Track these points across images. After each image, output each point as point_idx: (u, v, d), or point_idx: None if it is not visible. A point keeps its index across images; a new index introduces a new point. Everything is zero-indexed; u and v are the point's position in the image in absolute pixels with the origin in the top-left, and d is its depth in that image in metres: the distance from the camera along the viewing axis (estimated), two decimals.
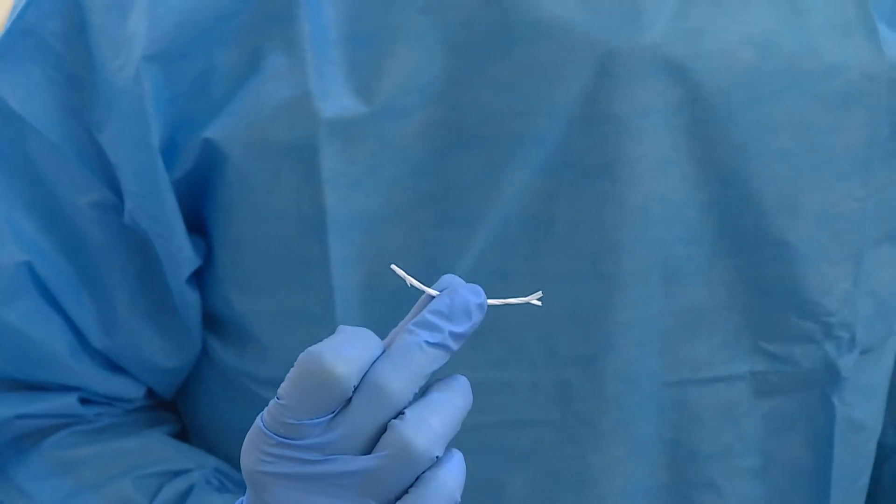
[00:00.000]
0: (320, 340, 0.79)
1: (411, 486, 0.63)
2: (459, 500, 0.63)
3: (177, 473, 0.86)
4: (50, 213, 0.82)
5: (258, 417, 0.64)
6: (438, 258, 0.79)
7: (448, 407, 0.64)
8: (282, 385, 0.63)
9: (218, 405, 0.89)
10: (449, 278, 0.66)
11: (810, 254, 0.82)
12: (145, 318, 0.85)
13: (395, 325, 0.78)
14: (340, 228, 0.79)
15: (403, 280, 0.75)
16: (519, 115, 0.77)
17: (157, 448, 0.87)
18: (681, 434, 0.85)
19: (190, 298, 0.84)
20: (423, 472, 0.63)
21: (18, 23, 0.80)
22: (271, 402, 0.63)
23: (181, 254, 0.82)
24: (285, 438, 0.62)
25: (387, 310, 0.80)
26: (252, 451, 0.63)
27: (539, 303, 0.68)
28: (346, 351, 0.63)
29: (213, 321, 0.86)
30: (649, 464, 0.85)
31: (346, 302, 0.80)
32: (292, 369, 0.63)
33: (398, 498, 0.63)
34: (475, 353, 0.81)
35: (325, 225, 0.79)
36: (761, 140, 0.80)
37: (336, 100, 0.77)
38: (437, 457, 0.63)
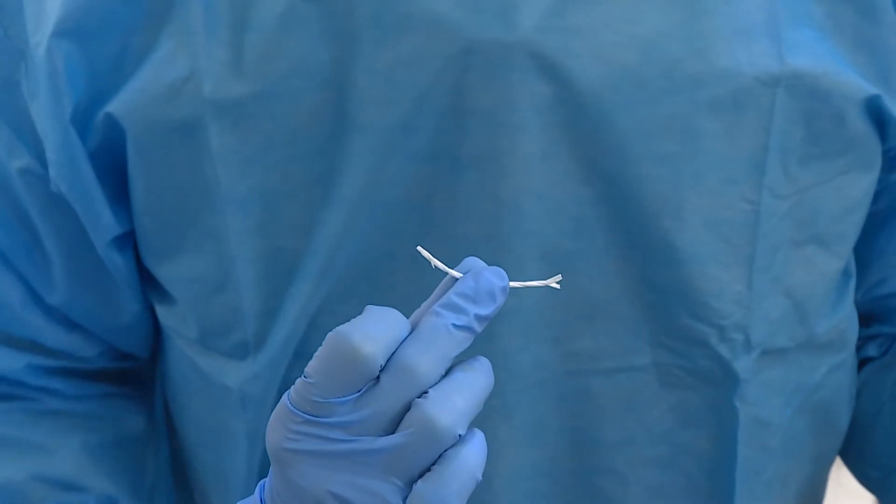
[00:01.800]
0: (227, 306, 0.83)
1: (434, 463, 0.64)
2: (480, 478, 0.65)
3: (69, 488, 0.89)
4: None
5: (285, 395, 0.65)
6: (327, 236, 0.80)
7: (471, 386, 0.65)
8: (309, 363, 0.64)
9: (170, 363, 0.92)
10: (471, 261, 0.67)
11: (698, 256, 0.82)
12: (83, 280, 0.88)
13: (290, 297, 0.82)
14: (238, 202, 0.81)
15: (301, 254, 0.78)
16: (394, 104, 0.78)
17: (67, 456, 0.90)
18: (582, 422, 0.85)
19: (117, 261, 0.86)
20: (446, 451, 0.64)
21: None
22: (298, 381, 0.64)
23: (100, 220, 0.85)
24: (312, 416, 0.63)
25: (284, 282, 0.82)
26: (278, 429, 0.64)
27: (558, 286, 0.70)
28: (373, 331, 0.64)
29: (149, 281, 0.89)
30: (548, 449, 0.85)
31: (247, 273, 0.82)
32: (320, 348, 0.64)
33: (421, 475, 0.64)
34: None
35: (220, 199, 0.81)
36: (640, 142, 0.79)
37: (223, 81, 0.79)
38: (459, 435, 0.64)
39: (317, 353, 0.64)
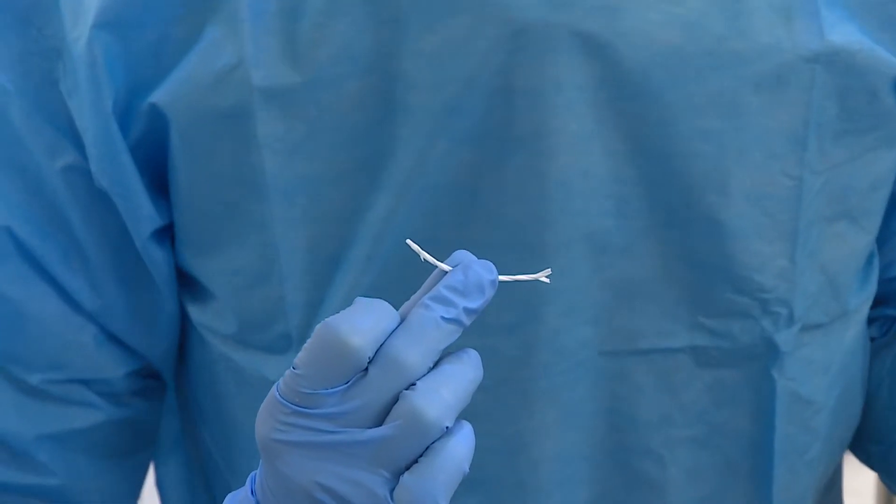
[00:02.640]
0: (270, 298, 0.83)
1: (421, 455, 0.64)
2: (468, 470, 0.65)
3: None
4: (32, 178, 0.84)
5: (274, 386, 0.65)
6: (373, 223, 0.81)
7: (459, 379, 0.65)
8: (298, 355, 0.64)
9: (197, 368, 0.91)
10: (461, 254, 0.68)
11: (742, 231, 0.83)
12: (123, 279, 0.87)
13: (335, 286, 0.81)
14: (283, 191, 0.81)
15: (347, 242, 0.77)
16: (442, 87, 0.78)
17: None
18: (619, 403, 0.86)
19: (157, 256, 0.86)
20: (434, 443, 0.64)
21: None
22: (287, 372, 0.64)
23: (140, 212, 0.84)
24: (300, 407, 0.64)
25: (329, 270, 0.82)
26: (267, 420, 0.65)
27: (547, 280, 0.70)
28: (362, 322, 0.64)
29: (181, 280, 0.88)
30: (586, 431, 0.86)
31: (291, 262, 0.82)
32: (309, 339, 0.64)
33: (408, 467, 0.64)
34: None
35: (266, 187, 0.81)
36: (686, 119, 0.80)
37: (270, 68, 0.79)
38: (447, 427, 0.64)
39: (305, 345, 0.64)
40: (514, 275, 0.70)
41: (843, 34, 0.82)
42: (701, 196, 0.82)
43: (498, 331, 0.83)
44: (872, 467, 0.99)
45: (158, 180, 0.85)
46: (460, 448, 0.65)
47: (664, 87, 0.79)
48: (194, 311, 0.88)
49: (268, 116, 0.80)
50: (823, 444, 0.91)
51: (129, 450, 0.92)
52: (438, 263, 0.67)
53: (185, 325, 0.91)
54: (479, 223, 0.81)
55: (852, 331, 0.91)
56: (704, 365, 0.86)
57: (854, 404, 0.94)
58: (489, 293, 0.67)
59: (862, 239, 0.88)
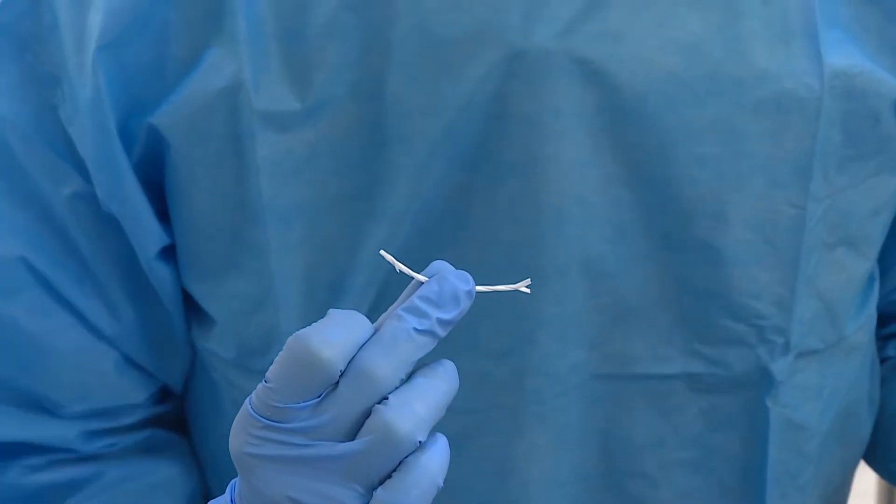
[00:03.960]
0: (265, 325, 0.82)
1: (395, 470, 0.63)
2: (442, 484, 0.64)
3: None
4: (41, 207, 0.84)
5: (247, 400, 0.64)
6: (368, 250, 0.80)
7: (432, 392, 0.64)
8: (270, 368, 0.64)
9: (200, 391, 0.90)
10: (438, 265, 0.67)
11: (740, 258, 0.82)
12: (135, 302, 0.86)
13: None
14: (280, 216, 0.80)
15: (345, 269, 0.76)
16: (437, 113, 0.78)
17: None
18: (612, 426, 0.85)
19: (163, 276, 0.85)
20: (407, 457, 0.63)
21: None
22: (259, 385, 0.64)
23: (147, 233, 0.83)
24: (272, 421, 0.63)
25: (327, 298, 0.81)
26: (240, 434, 0.64)
27: (528, 290, 0.69)
28: (333, 335, 0.63)
29: (186, 304, 0.87)
30: (579, 453, 0.85)
31: (287, 289, 0.81)
32: (280, 353, 0.64)
33: (382, 482, 0.63)
34: None
35: (263, 212, 0.80)
36: (684, 145, 0.79)
37: (270, 91, 0.79)
38: (420, 441, 0.63)
39: (277, 358, 0.64)
40: (494, 285, 0.69)
41: (843, 56, 0.81)
42: (698, 222, 0.81)
43: (489, 354, 0.82)
44: (869, 464, 0.98)
45: (160, 200, 0.84)
46: (434, 462, 0.64)
47: (661, 112, 0.78)
48: (197, 335, 0.87)
49: (265, 140, 0.79)
50: (816, 468, 0.90)
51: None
52: (414, 274, 0.66)
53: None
54: (474, 246, 0.80)
55: (854, 355, 0.90)
56: (699, 391, 0.85)
57: (856, 427, 0.93)
58: (465, 304, 0.66)
59: (861, 265, 0.87)
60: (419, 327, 0.64)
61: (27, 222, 0.84)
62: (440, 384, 0.65)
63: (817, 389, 0.88)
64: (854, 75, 0.81)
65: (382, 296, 0.81)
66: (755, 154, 0.80)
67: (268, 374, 0.64)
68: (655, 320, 0.83)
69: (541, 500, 0.85)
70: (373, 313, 0.80)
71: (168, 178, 0.83)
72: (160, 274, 0.84)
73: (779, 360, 0.85)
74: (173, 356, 0.88)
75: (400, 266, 0.67)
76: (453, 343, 0.80)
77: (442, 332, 0.65)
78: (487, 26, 0.77)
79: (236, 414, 0.84)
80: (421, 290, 0.65)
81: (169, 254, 0.85)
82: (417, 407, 0.63)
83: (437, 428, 0.82)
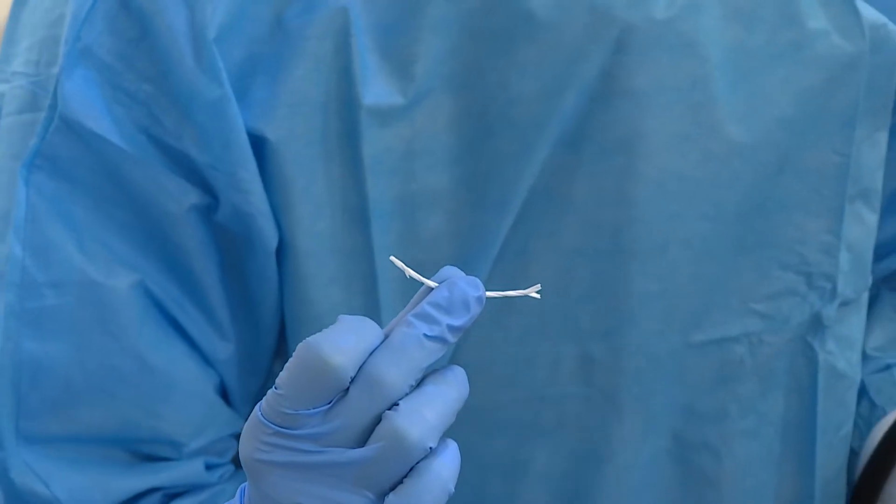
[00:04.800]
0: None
1: (406, 476, 0.63)
2: (453, 490, 0.64)
3: None
4: (146, 230, 0.80)
5: (256, 406, 0.64)
6: (474, 243, 0.80)
7: (442, 398, 0.64)
8: (280, 375, 0.64)
9: None
10: (448, 270, 0.67)
11: (787, 205, 0.84)
12: (235, 323, 0.83)
13: None
14: (380, 216, 0.80)
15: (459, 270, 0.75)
16: (544, 96, 0.78)
17: None
18: (679, 399, 0.86)
19: (271, 286, 0.82)
20: (418, 463, 0.63)
21: (76, 44, 0.79)
22: (269, 392, 0.64)
23: (273, 229, 0.80)
24: (282, 428, 0.63)
25: None
26: (250, 440, 0.64)
27: (538, 296, 0.69)
28: (343, 341, 0.63)
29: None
30: (657, 433, 0.86)
31: (389, 291, 0.81)
32: (291, 359, 0.63)
33: (393, 488, 0.63)
34: (497, 331, 0.82)
35: (367, 213, 0.80)
36: (766, 109, 0.82)
37: (374, 87, 0.78)
38: (430, 448, 0.63)
39: (287, 364, 0.64)
40: (504, 291, 0.69)
41: (871, 11, 0.85)
42: (757, 176, 0.83)
43: (591, 337, 0.83)
44: None
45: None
46: (445, 468, 0.64)
47: (739, 80, 0.81)
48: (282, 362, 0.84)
49: (371, 137, 0.78)
50: (852, 420, 0.92)
51: None
52: (424, 280, 0.66)
53: None
54: (572, 229, 0.81)
55: (864, 307, 0.92)
56: (756, 355, 0.86)
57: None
58: (475, 310, 0.65)
59: (873, 218, 0.89)
60: (429, 333, 0.64)
61: (133, 249, 0.80)
62: (450, 390, 0.64)
63: (853, 339, 0.90)
64: (881, 25, 0.85)
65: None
66: (815, 105, 0.84)
67: (278, 380, 0.63)
68: (722, 287, 0.84)
69: (629, 485, 0.86)
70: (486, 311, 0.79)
71: (267, 187, 0.80)
72: (271, 279, 0.81)
73: (828, 305, 0.87)
74: (254, 383, 0.86)
75: (409, 272, 0.67)
76: (552, 328, 0.82)
77: (452, 339, 0.65)
78: (593, 4, 0.78)
79: None
80: (431, 297, 0.65)
81: (277, 256, 0.82)
82: (427, 413, 0.63)
83: (536, 415, 0.83)
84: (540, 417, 0.85)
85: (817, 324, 0.87)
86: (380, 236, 0.80)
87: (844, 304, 0.89)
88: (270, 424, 0.63)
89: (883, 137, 0.88)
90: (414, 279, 0.66)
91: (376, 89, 0.78)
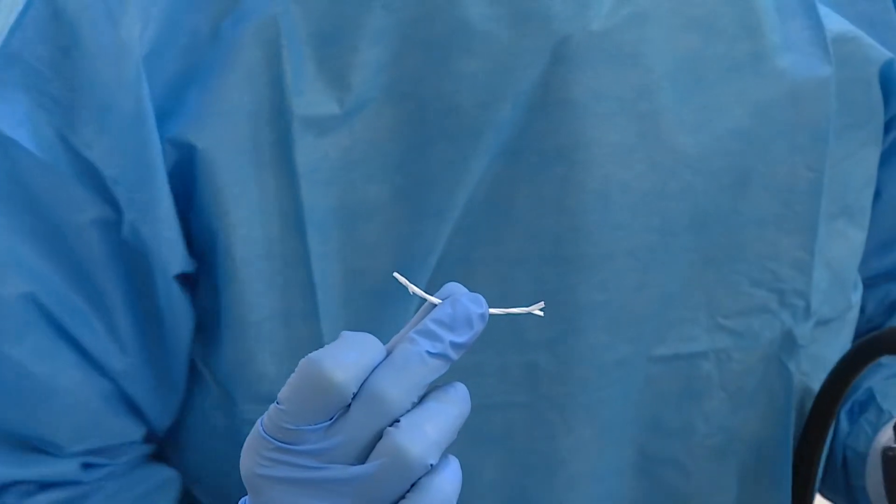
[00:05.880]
0: (310, 337, 0.81)
1: (407, 493, 0.63)
2: None
3: None
4: (51, 238, 0.80)
5: (258, 421, 0.64)
6: (413, 252, 0.80)
7: (444, 415, 0.64)
8: (282, 390, 0.64)
9: (196, 426, 0.88)
10: (451, 287, 0.67)
11: (760, 221, 0.84)
12: (142, 338, 0.83)
13: (377, 320, 0.80)
14: (317, 224, 0.80)
15: (389, 275, 0.75)
16: (481, 106, 0.78)
17: None
18: (644, 412, 0.86)
19: (179, 303, 0.82)
20: (419, 480, 0.63)
21: (4, 49, 0.79)
22: (271, 407, 0.64)
23: (174, 256, 0.80)
24: (283, 443, 0.63)
25: (368, 304, 0.81)
26: (251, 455, 0.64)
27: (541, 313, 0.69)
28: (346, 358, 0.63)
29: (210, 335, 0.85)
30: (617, 443, 0.86)
31: (328, 299, 0.81)
32: (293, 375, 0.63)
33: None
34: None
35: (303, 221, 0.80)
36: (717, 121, 0.81)
37: (309, 96, 0.78)
38: (431, 464, 0.63)
39: (289, 380, 0.64)
40: (508, 308, 0.69)
41: (838, 23, 0.84)
42: (724, 191, 0.83)
43: (536, 346, 0.83)
44: None
45: (183, 221, 0.82)
46: (447, 485, 0.63)
47: (691, 92, 0.80)
48: (216, 365, 0.84)
49: (305, 146, 0.78)
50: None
51: None
52: (427, 296, 0.66)
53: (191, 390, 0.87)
54: (515, 238, 0.80)
55: (849, 329, 0.92)
56: (726, 371, 0.86)
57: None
58: (478, 327, 0.65)
59: (859, 236, 0.89)
60: (432, 350, 0.64)
61: (37, 256, 0.80)
62: (452, 408, 0.64)
63: (829, 360, 0.89)
64: (849, 40, 0.84)
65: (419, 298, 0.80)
66: (779, 120, 0.83)
67: (279, 395, 0.63)
68: (686, 301, 0.84)
69: (585, 494, 0.85)
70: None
71: (202, 198, 0.80)
72: (177, 302, 0.82)
73: (802, 324, 0.86)
74: (170, 395, 0.86)
75: (413, 288, 0.67)
76: (498, 337, 0.81)
77: (454, 356, 0.65)
78: (530, 15, 0.78)
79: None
80: (434, 313, 0.65)
81: (186, 283, 0.83)
82: (429, 430, 0.63)
83: (483, 424, 0.83)
84: (488, 426, 0.84)
85: (791, 343, 0.87)
86: (318, 244, 0.80)
87: (822, 323, 0.88)
88: (271, 440, 0.63)
89: (872, 153, 0.87)
90: (408, 289, 0.66)
91: (311, 99, 0.78)
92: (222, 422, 0.86)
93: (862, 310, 0.96)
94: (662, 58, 0.80)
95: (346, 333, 0.65)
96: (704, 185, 0.82)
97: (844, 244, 0.88)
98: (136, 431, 0.85)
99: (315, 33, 0.78)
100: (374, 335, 0.78)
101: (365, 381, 0.63)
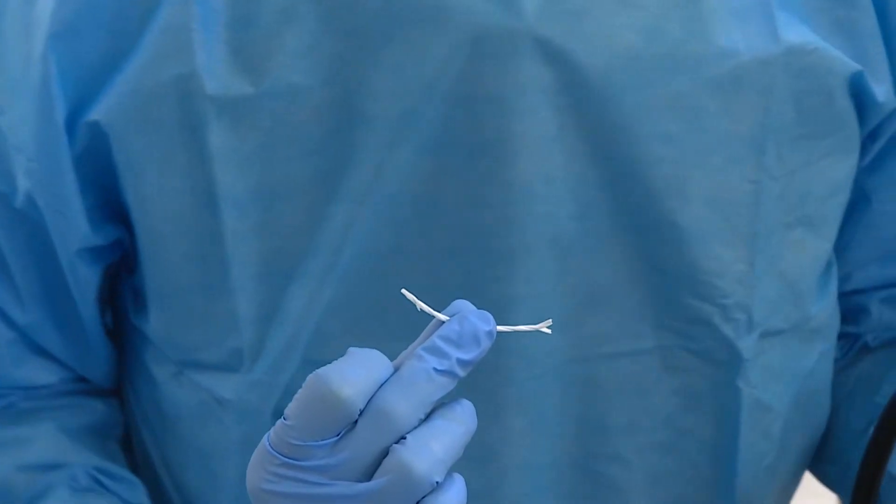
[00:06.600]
0: (222, 313, 0.83)
1: None
2: None
3: (52, 468, 0.88)
4: None
5: (265, 436, 0.64)
6: (331, 234, 0.81)
7: (450, 432, 0.64)
8: (289, 405, 0.64)
9: (146, 386, 0.91)
10: (459, 304, 0.67)
11: (701, 236, 0.83)
12: (49, 297, 0.88)
13: (289, 299, 0.82)
14: (235, 203, 0.81)
15: (303, 255, 0.77)
16: (402, 96, 0.78)
17: (45, 442, 0.89)
18: (588, 409, 0.85)
19: (83, 273, 0.86)
20: (424, 497, 0.63)
21: None
22: (278, 422, 0.64)
23: (73, 231, 0.84)
24: (290, 459, 0.63)
25: (282, 283, 0.82)
26: (257, 470, 0.64)
27: (548, 331, 0.69)
28: (353, 374, 0.63)
29: (133, 302, 0.89)
30: (554, 438, 0.86)
31: (243, 276, 0.82)
32: (300, 390, 0.63)
33: None
34: (379, 327, 0.83)
35: (216, 199, 0.81)
36: (646, 123, 0.80)
37: (223, 78, 0.79)
38: (437, 482, 0.63)
39: (296, 395, 0.64)
40: (514, 325, 0.69)
41: (797, 34, 0.82)
42: (661, 200, 0.82)
43: None
44: (828, 486, 0.99)
45: (98, 198, 0.84)
46: (452, 502, 0.64)
47: (623, 91, 0.79)
48: (150, 330, 0.88)
49: (220, 127, 0.80)
50: (779, 451, 0.91)
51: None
52: (435, 313, 0.66)
53: (134, 343, 0.91)
54: (443, 231, 0.81)
55: (817, 339, 0.91)
56: (672, 369, 0.86)
57: (815, 415, 0.94)
58: (485, 344, 0.66)
59: (821, 246, 0.88)
60: (439, 367, 0.64)
61: None
62: (458, 426, 0.64)
63: (781, 370, 0.89)
64: (808, 52, 0.82)
65: (346, 287, 0.81)
66: (714, 130, 0.82)
67: (286, 411, 0.64)
68: (627, 299, 0.84)
69: (519, 485, 0.85)
70: (333, 305, 0.81)
71: (120, 176, 0.83)
72: (81, 274, 0.86)
73: (745, 337, 0.86)
74: (90, 352, 0.90)
75: (421, 305, 0.67)
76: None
77: (462, 373, 0.65)
78: (451, 7, 0.77)
79: (185, 408, 0.87)
80: (441, 330, 0.65)
81: (93, 256, 0.86)
82: (435, 447, 0.63)
83: None
84: None
85: (735, 355, 0.86)
86: (235, 222, 0.81)
87: (773, 334, 0.87)
88: (278, 455, 0.63)
89: (840, 163, 0.86)
90: (416, 306, 0.66)
91: (226, 81, 0.79)
92: (161, 375, 0.89)
93: (878, 318, 0.95)
94: (594, 56, 0.79)
95: (352, 350, 0.65)
96: (633, 184, 0.81)
97: (801, 254, 0.87)
98: (51, 375, 0.90)
99: (234, 17, 0.79)
100: (285, 313, 0.81)
101: (372, 397, 0.63)
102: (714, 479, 0.89)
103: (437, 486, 0.63)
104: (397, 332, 0.81)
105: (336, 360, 0.64)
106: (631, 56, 0.79)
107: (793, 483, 0.97)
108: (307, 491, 0.63)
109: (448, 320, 0.66)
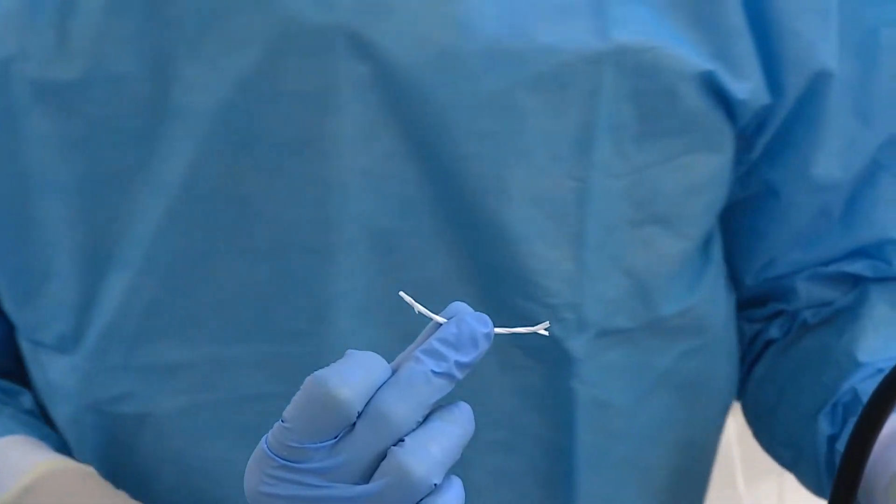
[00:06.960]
0: (52, 297, 0.84)
1: None
2: None
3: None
4: None
5: (263, 439, 0.64)
6: (148, 225, 0.81)
7: (448, 435, 0.64)
8: (287, 408, 0.64)
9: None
10: (457, 306, 0.67)
11: (526, 235, 0.82)
12: None
13: (108, 287, 0.83)
14: (59, 189, 0.82)
15: (120, 243, 0.79)
16: (215, 89, 0.79)
17: None
18: None
19: None
20: (422, 500, 0.63)
21: None
22: (276, 425, 0.64)
23: None
24: (288, 461, 0.63)
25: (101, 271, 0.83)
26: (255, 472, 0.64)
27: (546, 332, 0.69)
28: (351, 376, 0.63)
29: None
30: None
31: (65, 262, 0.83)
32: (298, 393, 0.64)
33: None
34: (196, 331, 0.83)
35: (39, 186, 0.82)
36: (462, 121, 0.80)
37: (48, 63, 0.80)
38: (435, 484, 0.63)
39: (294, 398, 0.64)
40: (512, 328, 0.69)
41: (633, 32, 0.81)
42: (482, 199, 0.81)
43: (286, 336, 0.83)
44: (787, 468, 0.98)
45: None
46: None
47: (437, 88, 0.79)
48: (5, 308, 0.89)
49: (42, 113, 0.81)
50: (630, 446, 0.90)
51: None
52: (433, 315, 0.66)
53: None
54: (259, 229, 0.81)
55: (681, 337, 0.89)
56: (508, 368, 0.85)
57: (696, 413, 0.93)
58: (483, 346, 0.66)
59: (676, 244, 0.87)
60: (437, 370, 0.64)
61: None
62: (456, 427, 0.65)
63: (624, 365, 0.88)
64: (642, 51, 0.81)
65: (168, 279, 0.82)
66: (535, 129, 0.81)
67: (285, 413, 0.64)
68: (459, 295, 0.82)
69: None
70: (156, 297, 0.82)
71: None
72: None
73: (575, 337, 0.85)
74: None
75: (419, 307, 0.67)
76: (248, 328, 0.83)
77: (459, 375, 0.65)
78: (268, 1, 0.78)
79: (41, 385, 0.89)
80: (439, 333, 0.65)
81: None
82: (433, 450, 0.63)
83: (239, 417, 0.84)
84: (243, 418, 0.85)
85: (565, 356, 0.85)
86: (57, 209, 0.82)
87: (609, 333, 0.86)
88: (276, 457, 0.63)
89: (700, 161, 0.85)
90: (414, 309, 0.66)
91: (51, 65, 0.80)
92: (26, 350, 0.90)
93: (828, 304, 0.94)
94: (405, 52, 0.78)
95: (351, 352, 0.65)
96: (453, 182, 0.81)
97: (652, 252, 0.86)
98: None
99: (64, 3, 0.79)
100: (105, 301, 0.82)
101: (370, 399, 0.63)
102: (553, 477, 0.89)
103: (435, 489, 0.63)
104: (217, 332, 0.83)
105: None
106: (444, 52, 0.79)
107: (692, 484, 0.95)
108: (305, 493, 0.63)
109: (446, 323, 0.66)
